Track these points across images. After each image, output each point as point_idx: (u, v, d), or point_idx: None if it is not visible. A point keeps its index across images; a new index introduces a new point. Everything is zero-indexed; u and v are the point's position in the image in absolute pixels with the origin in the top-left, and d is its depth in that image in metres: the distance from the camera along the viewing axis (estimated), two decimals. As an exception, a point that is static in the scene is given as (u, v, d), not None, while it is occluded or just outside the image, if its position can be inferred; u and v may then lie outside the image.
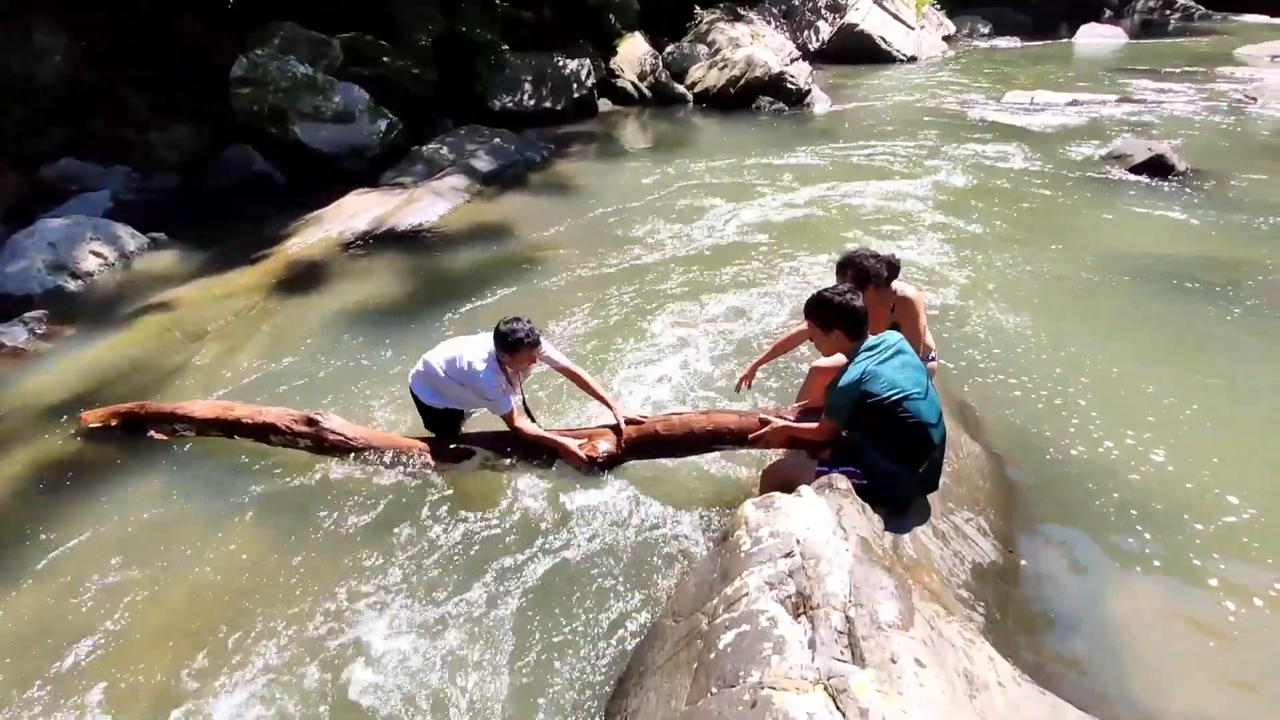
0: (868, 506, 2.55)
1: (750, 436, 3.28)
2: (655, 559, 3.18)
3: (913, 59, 17.41)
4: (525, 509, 3.46)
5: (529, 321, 3.41)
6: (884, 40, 17.24)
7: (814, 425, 3.12)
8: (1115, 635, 2.86)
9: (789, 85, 13.04)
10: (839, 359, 2.92)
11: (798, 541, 2.08)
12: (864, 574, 1.95)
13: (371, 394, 4.57)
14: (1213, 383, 4.47)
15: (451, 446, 3.65)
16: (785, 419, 3.31)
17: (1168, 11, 24.61)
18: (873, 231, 7.02)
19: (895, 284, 3.39)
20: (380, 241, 7.14)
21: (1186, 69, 15.31)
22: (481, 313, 5.73)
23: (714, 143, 10.84)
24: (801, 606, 1.87)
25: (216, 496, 3.72)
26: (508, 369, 3.47)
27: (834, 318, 2.82)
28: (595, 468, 3.49)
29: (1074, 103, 12.34)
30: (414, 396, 3.73)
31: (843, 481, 2.58)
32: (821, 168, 9.19)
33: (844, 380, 2.74)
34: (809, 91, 13.23)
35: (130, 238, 6.97)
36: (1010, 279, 6.00)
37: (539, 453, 3.54)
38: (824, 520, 2.20)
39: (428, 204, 7.85)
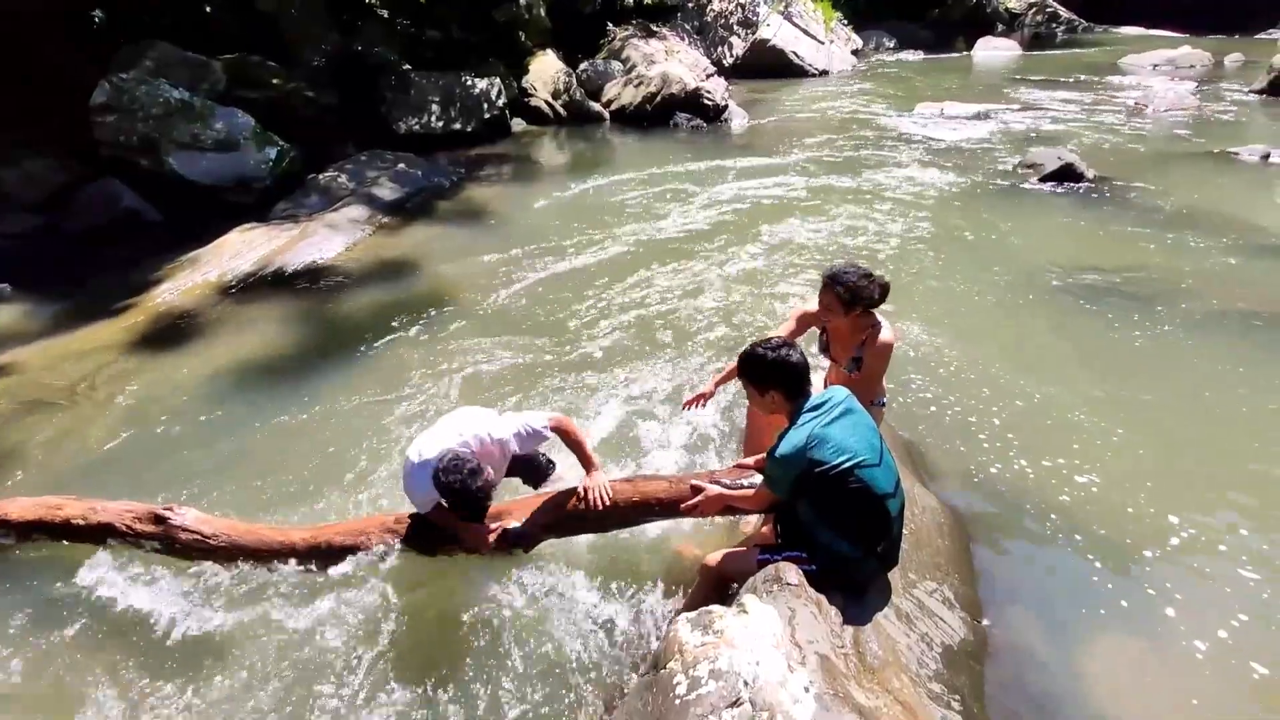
0: (823, 600, 2.16)
1: (682, 508, 2.86)
2: (573, 674, 2.68)
3: (824, 73, 17.64)
4: (411, 610, 2.92)
5: (470, 463, 2.64)
6: (796, 55, 17.40)
7: (749, 491, 2.72)
8: (1095, 714, 2.56)
9: (706, 101, 12.88)
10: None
11: (745, 684, 1.66)
12: (831, 727, 1.55)
13: (253, 473, 3.94)
14: (1136, 399, 4.41)
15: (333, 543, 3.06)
16: (720, 483, 2.90)
17: (1054, 25, 25.97)
18: (795, 248, 6.81)
19: (879, 316, 3.07)
20: (267, 284, 6.41)
21: (1079, 78, 16.01)
22: (385, 362, 5.14)
23: (633, 161, 10.50)
24: (756, 786, 1.45)
25: (41, 622, 3.03)
26: None
27: (769, 376, 2.43)
28: (504, 551, 2.98)
29: (981, 114, 12.61)
30: None
31: (791, 573, 2.18)
32: (742, 184, 8.96)
33: (786, 447, 2.35)
34: (726, 107, 13.11)
35: (-37, 292, 6.05)
36: (934, 295, 5.85)
37: (436, 539, 3.01)
38: (775, 643, 1.79)
39: (322, 239, 7.16)
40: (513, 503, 3.11)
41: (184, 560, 3.12)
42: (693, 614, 1.98)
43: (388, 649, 2.80)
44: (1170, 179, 8.52)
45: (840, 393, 2.45)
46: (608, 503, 2.91)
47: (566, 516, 2.98)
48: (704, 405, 3.35)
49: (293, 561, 3.03)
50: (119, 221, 7.75)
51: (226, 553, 3.05)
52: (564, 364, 4.99)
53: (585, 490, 2.94)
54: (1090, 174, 8.51)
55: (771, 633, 1.82)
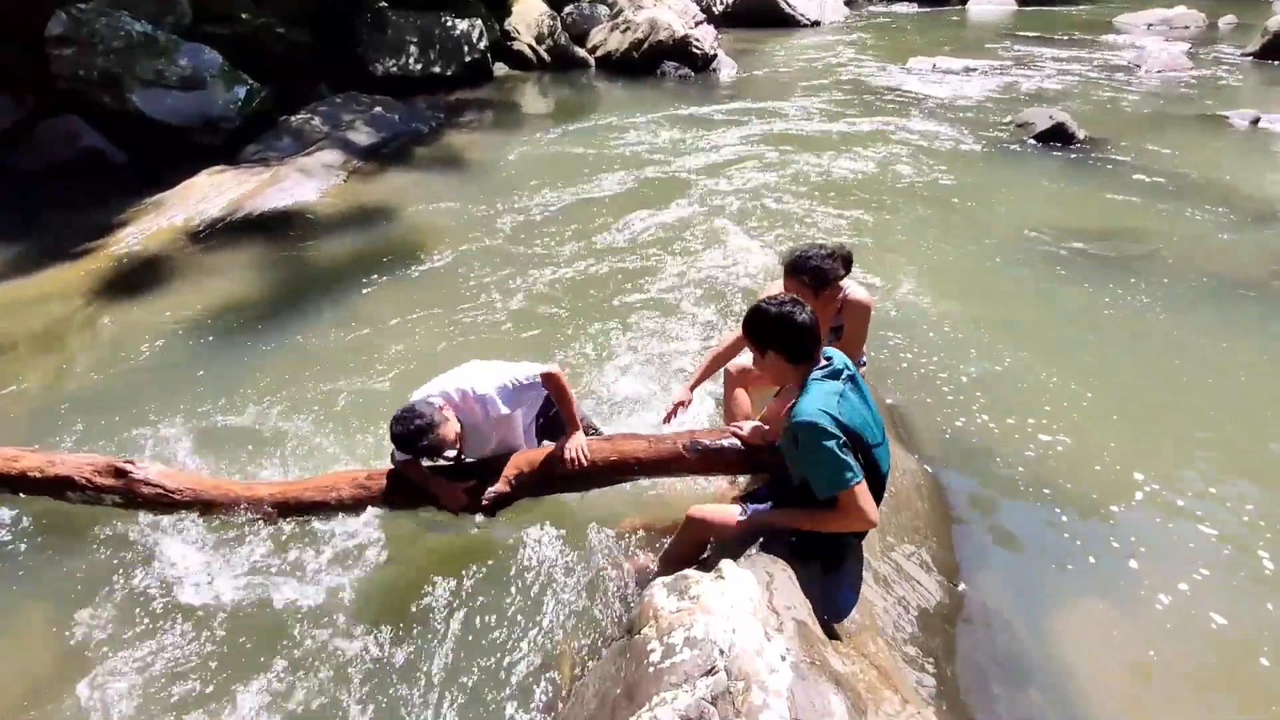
0: (800, 565, 2.13)
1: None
2: (544, 635, 2.63)
3: (816, 23, 17.20)
4: (375, 570, 2.86)
5: (422, 419, 2.58)
6: (788, 4, 16.93)
7: (821, 512, 2.19)
8: (1063, 672, 2.59)
9: (694, 49, 12.51)
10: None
11: (721, 652, 1.62)
12: (808, 696, 1.52)
13: (220, 426, 3.82)
14: (1110, 364, 4.41)
15: (302, 499, 2.98)
16: (702, 442, 2.85)
17: (1051, -21, 25.43)
18: (781, 207, 6.67)
19: (846, 282, 2.99)
20: (236, 230, 6.19)
21: (1074, 36, 15.75)
22: (360, 312, 5.01)
23: (618, 111, 10.22)
24: (730, 756, 1.42)
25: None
26: None
27: (770, 335, 2.21)
28: (479, 510, 2.92)
29: (974, 69, 12.39)
30: None
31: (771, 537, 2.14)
32: (729, 138, 8.76)
33: (809, 412, 2.05)
34: (715, 56, 12.76)
35: (-86, 234, 5.77)
36: (917, 253, 5.79)
37: (408, 496, 2.94)
38: (752, 609, 1.75)
39: (294, 184, 6.91)
40: (490, 461, 3.03)
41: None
42: (669, 578, 1.94)
43: (348, 610, 2.74)
44: (1161, 142, 8.43)
45: (840, 356, 2.32)
46: (585, 463, 2.85)
47: (545, 476, 2.92)
48: (685, 412, 3.24)
49: (261, 517, 2.95)
50: (79, 161, 7.42)
51: (190, 507, 2.96)
52: (544, 314, 4.90)
53: (563, 450, 2.88)
54: (1081, 135, 8.39)
55: (749, 598, 1.79)
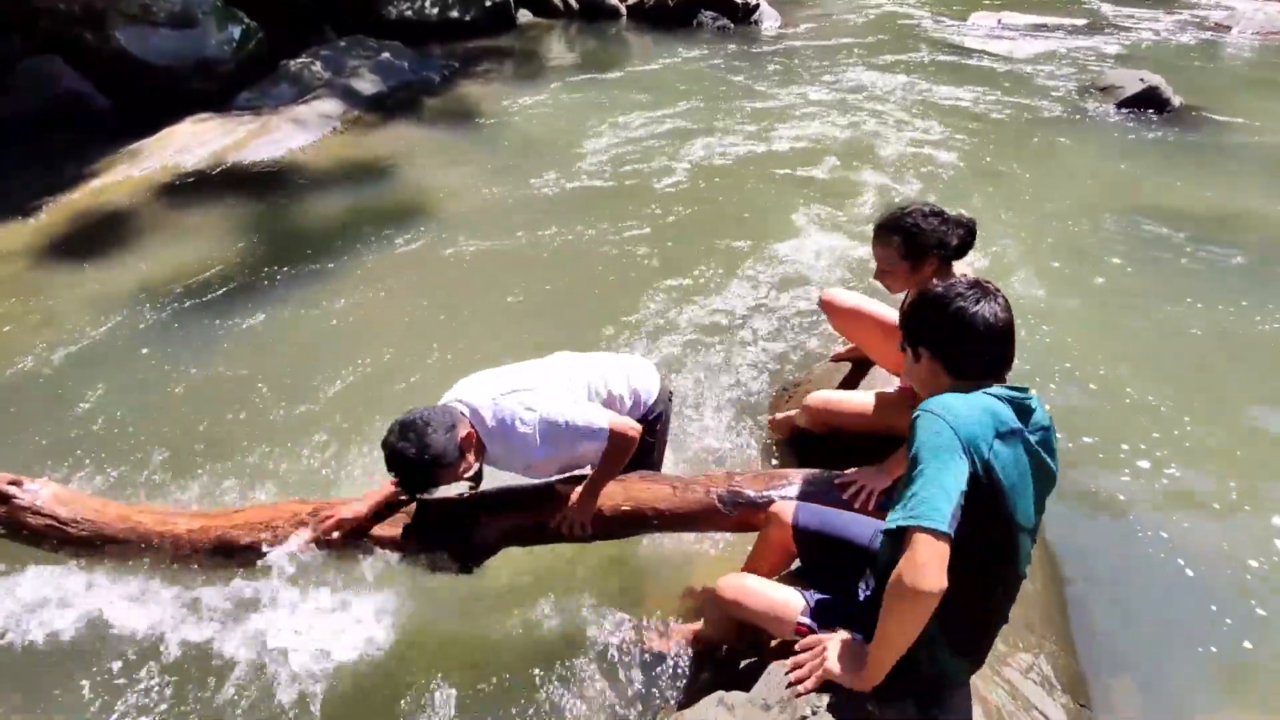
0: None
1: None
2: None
3: (867, -26, 15.90)
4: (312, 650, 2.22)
5: (431, 450, 1.95)
6: (837, -48, 15.63)
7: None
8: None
9: (734, -1, 11.49)
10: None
11: None
12: None
13: (175, 422, 3.21)
14: (1240, 385, 3.62)
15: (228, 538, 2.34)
16: (745, 494, 2.16)
17: (1123, -67, 23.59)
18: (834, 178, 5.84)
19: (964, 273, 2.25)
20: (215, 185, 5.52)
21: (1154, -8, 14.34)
22: (351, 282, 4.38)
23: (651, 65, 9.34)
24: None
25: None
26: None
27: (923, 327, 1.54)
28: (455, 570, 2.27)
29: (1043, 26, 11.23)
30: None
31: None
32: (774, 97, 7.86)
33: (947, 409, 1.39)
34: (757, 7, 11.71)
35: None
36: (994, 239, 4.90)
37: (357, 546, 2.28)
38: None
39: (285, 135, 6.21)
40: (476, 500, 2.36)
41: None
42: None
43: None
44: (1267, 116, 7.36)
45: (1044, 410, 1.51)
46: (585, 535, 2.21)
47: (538, 527, 2.25)
48: None
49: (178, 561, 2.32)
50: (58, 106, 6.75)
51: (89, 545, 2.34)
52: (568, 294, 4.28)
53: (559, 517, 2.21)
54: (1176, 101, 7.36)
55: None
